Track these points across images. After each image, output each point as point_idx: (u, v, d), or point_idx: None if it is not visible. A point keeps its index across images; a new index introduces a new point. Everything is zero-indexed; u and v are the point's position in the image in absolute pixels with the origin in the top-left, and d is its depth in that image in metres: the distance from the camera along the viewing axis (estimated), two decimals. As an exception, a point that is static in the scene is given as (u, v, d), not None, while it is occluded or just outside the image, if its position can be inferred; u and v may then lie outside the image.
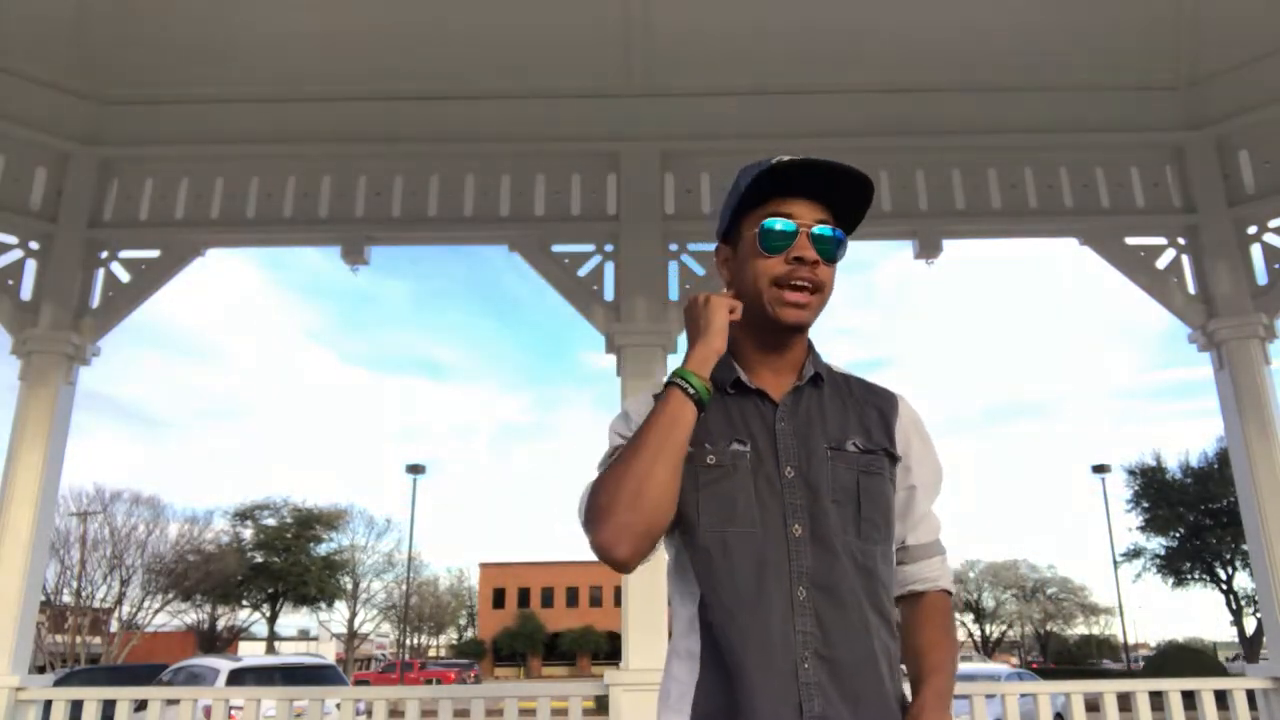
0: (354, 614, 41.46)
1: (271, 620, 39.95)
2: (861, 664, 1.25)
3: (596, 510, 1.28)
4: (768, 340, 1.41)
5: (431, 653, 53.60)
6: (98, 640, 31.45)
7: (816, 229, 1.36)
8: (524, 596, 52.79)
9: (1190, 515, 33.37)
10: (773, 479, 1.33)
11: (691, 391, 1.30)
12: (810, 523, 1.30)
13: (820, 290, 1.37)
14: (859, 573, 1.30)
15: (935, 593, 1.43)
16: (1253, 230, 4.00)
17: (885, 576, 1.34)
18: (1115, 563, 36.14)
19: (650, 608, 3.53)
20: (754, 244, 1.37)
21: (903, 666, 1.37)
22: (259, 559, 38.68)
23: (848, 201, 1.39)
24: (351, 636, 41.62)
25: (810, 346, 1.45)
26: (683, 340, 3.90)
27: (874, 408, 1.44)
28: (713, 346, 1.34)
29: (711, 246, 4.04)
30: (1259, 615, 11.28)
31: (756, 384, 1.40)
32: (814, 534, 1.30)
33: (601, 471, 1.35)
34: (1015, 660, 49.79)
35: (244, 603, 39.48)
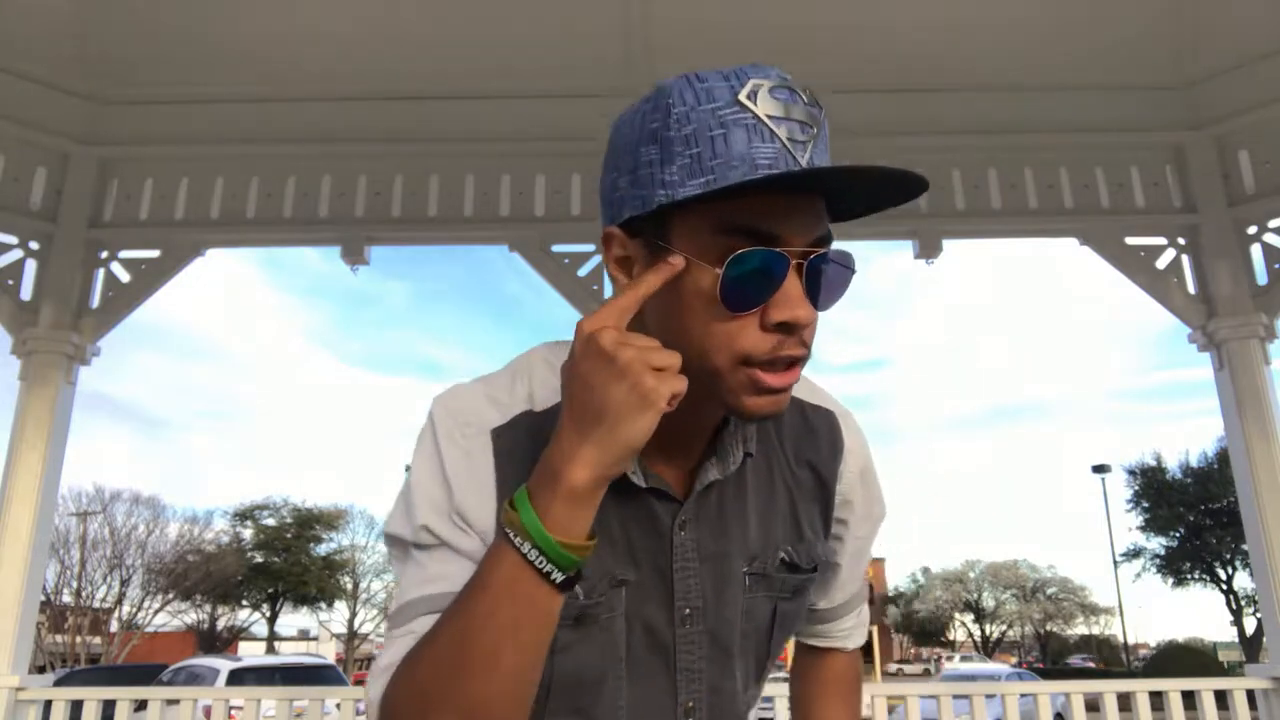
0: (354, 614, 41.45)
1: (271, 620, 39.96)
2: None
3: None
4: (691, 414, 0.82)
5: (431, 653, 53.51)
6: (98, 640, 31.45)
7: (814, 260, 0.77)
8: (524, 596, 52.71)
9: (1190, 515, 33.39)
10: (659, 628, 0.87)
11: (556, 578, 0.71)
12: (708, 695, 0.89)
13: (808, 352, 0.80)
14: None
15: (840, 653, 1.14)
16: (1253, 230, 4.00)
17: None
18: (1115, 563, 36.17)
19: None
20: (710, 291, 0.75)
21: None
22: (259, 559, 38.67)
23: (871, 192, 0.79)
24: (351, 636, 41.61)
25: None
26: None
27: (809, 469, 0.96)
28: (610, 472, 0.72)
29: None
30: (1259, 615, 11.29)
31: (654, 470, 0.86)
32: (712, 711, 0.90)
33: (397, 675, 0.75)
34: (1014, 659, 49.84)
35: (244, 603, 39.49)
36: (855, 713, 1.12)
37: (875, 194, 0.78)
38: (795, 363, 0.78)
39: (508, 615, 0.70)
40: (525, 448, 0.82)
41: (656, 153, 0.77)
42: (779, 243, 0.75)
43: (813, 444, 0.97)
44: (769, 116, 0.75)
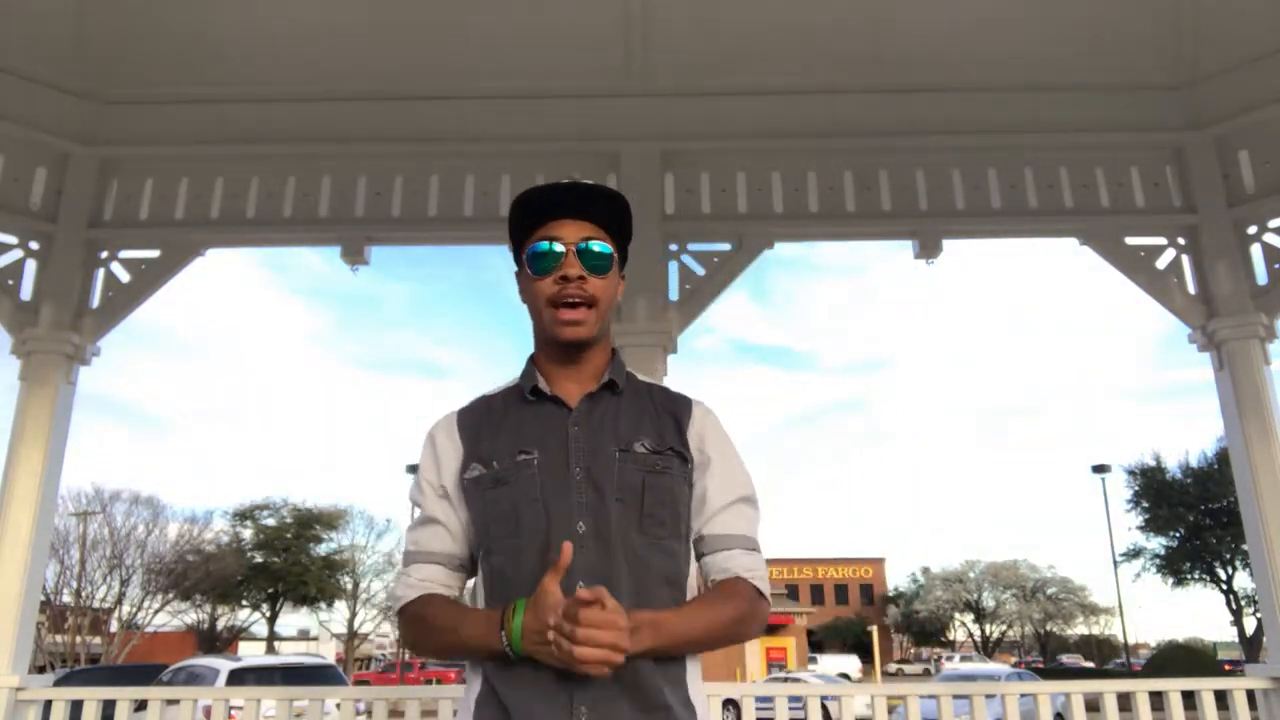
0: (354, 614, 41.43)
1: (271, 620, 39.95)
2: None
3: (404, 642, 1.50)
4: (561, 355, 1.47)
5: (431, 653, 53.47)
6: (98, 640, 31.44)
7: (580, 245, 1.42)
8: (524, 596, 52.64)
9: (1190, 515, 33.39)
10: (562, 479, 1.38)
11: (511, 654, 1.30)
12: (594, 521, 1.36)
13: (594, 304, 1.42)
14: (636, 566, 1.36)
15: (729, 579, 1.44)
16: (1253, 230, 4.00)
17: (669, 569, 1.40)
18: (1115, 563, 36.12)
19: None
20: (526, 269, 1.45)
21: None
22: (259, 559, 38.65)
23: (612, 214, 1.47)
24: (351, 636, 41.60)
25: (614, 355, 1.52)
26: (683, 339, 3.91)
27: (669, 414, 1.49)
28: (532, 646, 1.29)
29: (711, 246, 4.05)
30: (1259, 615, 11.30)
31: (555, 392, 1.45)
32: (596, 531, 1.35)
33: (408, 623, 1.45)
34: (1014, 659, 49.84)
35: (244, 603, 39.47)
36: (717, 608, 1.40)
37: (595, 201, 1.46)
38: (581, 304, 1.42)
39: (475, 644, 1.35)
40: (477, 410, 1.52)
41: (511, 229, 1.54)
42: (558, 240, 1.43)
43: (673, 405, 1.52)
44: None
